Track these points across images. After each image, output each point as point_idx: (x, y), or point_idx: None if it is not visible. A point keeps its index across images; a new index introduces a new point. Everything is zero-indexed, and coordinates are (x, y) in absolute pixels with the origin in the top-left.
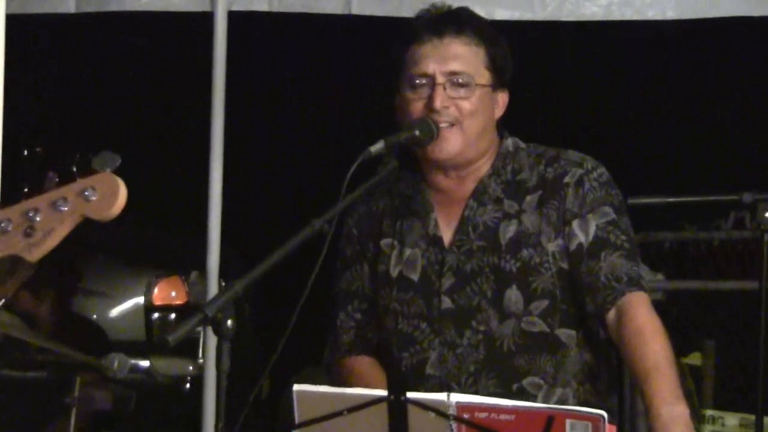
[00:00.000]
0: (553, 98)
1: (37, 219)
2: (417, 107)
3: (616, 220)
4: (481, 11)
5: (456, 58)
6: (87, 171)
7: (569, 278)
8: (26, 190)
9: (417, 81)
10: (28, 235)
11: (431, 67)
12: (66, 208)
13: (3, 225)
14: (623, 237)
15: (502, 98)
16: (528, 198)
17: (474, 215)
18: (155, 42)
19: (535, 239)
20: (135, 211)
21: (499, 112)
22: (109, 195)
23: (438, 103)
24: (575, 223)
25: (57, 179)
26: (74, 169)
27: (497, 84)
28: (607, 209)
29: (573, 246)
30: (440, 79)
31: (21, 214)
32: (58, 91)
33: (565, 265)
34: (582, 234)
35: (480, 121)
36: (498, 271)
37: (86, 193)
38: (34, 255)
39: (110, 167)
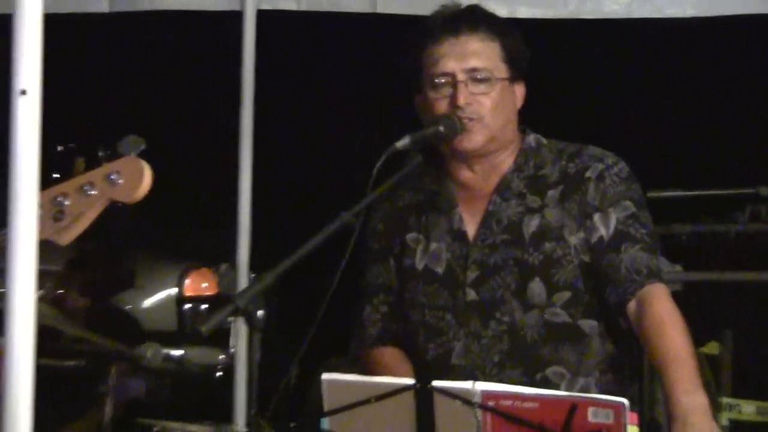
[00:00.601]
0: (572, 95)
1: (66, 203)
2: (441, 105)
3: (637, 213)
4: (504, 9)
5: (474, 55)
6: (113, 156)
7: (591, 270)
8: (56, 176)
9: (438, 80)
10: (57, 219)
11: (451, 65)
12: (94, 192)
13: None
14: (643, 230)
15: (519, 90)
16: (550, 193)
17: (497, 210)
18: (184, 40)
19: (557, 233)
20: (166, 205)
21: (518, 103)
22: (134, 178)
23: (462, 100)
24: (596, 217)
25: (84, 165)
26: (100, 155)
27: (514, 76)
28: (628, 203)
29: (594, 239)
30: (461, 76)
31: (50, 199)
32: (91, 88)
33: (586, 258)
34: (603, 227)
35: (502, 114)
36: (521, 264)
37: (112, 177)
38: (64, 239)
39: (135, 151)
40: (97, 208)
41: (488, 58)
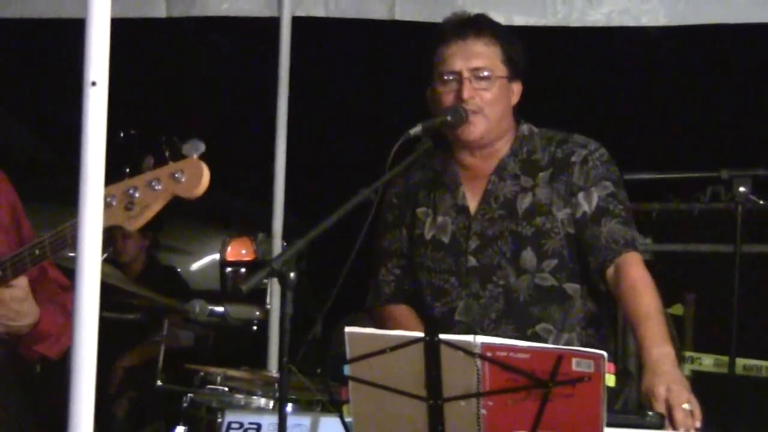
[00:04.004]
0: (564, 91)
1: (136, 195)
2: (448, 98)
3: (615, 192)
4: (501, 17)
5: (478, 56)
6: (178, 155)
7: (575, 241)
8: (128, 170)
9: (446, 77)
10: (128, 209)
11: (458, 64)
12: (160, 187)
13: (108, 200)
14: (620, 207)
15: (517, 88)
16: (541, 174)
17: (495, 189)
18: (230, 41)
19: (546, 209)
20: (214, 182)
21: (515, 99)
22: (195, 177)
23: (466, 94)
24: (580, 195)
25: (153, 162)
26: (167, 154)
27: (512, 76)
28: (608, 183)
29: (578, 214)
30: (466, 74)
31: (123, 191)
32: (151, 83)
33: (571, 230)
34: (586, 204)
35: (500, 107)
36: (515, 235)
37: (176, 176)
38: (133, 226)
39: (197, 153)
40: (161, 202)
41: (490, 59)
